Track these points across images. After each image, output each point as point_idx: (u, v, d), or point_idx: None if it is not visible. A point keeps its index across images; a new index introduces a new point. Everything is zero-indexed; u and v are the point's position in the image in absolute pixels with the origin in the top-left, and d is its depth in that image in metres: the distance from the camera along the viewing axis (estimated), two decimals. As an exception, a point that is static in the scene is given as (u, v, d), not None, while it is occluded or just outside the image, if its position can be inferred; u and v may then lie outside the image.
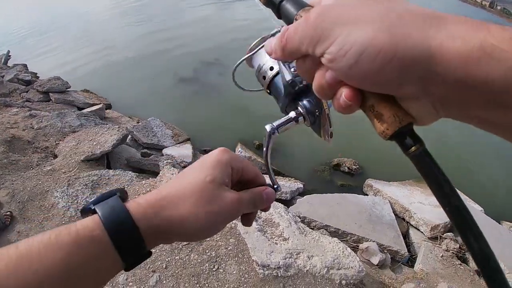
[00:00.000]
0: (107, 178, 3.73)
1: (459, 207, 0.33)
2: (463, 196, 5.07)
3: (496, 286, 0.33)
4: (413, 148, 0.35)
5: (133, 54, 9.68)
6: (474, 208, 4.70)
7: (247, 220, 0.57)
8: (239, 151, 5.19)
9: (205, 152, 5.58)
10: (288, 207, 3.89)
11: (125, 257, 0.41)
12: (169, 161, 4.53)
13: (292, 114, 0.54)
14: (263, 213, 3.38)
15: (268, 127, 0.53)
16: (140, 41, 10.75)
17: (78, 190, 3.48)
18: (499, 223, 5.37)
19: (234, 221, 3.18)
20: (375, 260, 3.56)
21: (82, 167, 3.92)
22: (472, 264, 3.94)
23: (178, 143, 5.71)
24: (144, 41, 10.73)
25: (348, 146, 5.39)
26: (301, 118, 0.54)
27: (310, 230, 3.24)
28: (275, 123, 0.54)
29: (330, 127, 0.52)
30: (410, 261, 3.94)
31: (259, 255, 2.79)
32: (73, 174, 3.75)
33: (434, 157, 0.35)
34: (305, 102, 0.52)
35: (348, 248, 3.03)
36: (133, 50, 10.00)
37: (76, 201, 3.35)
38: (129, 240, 0.41)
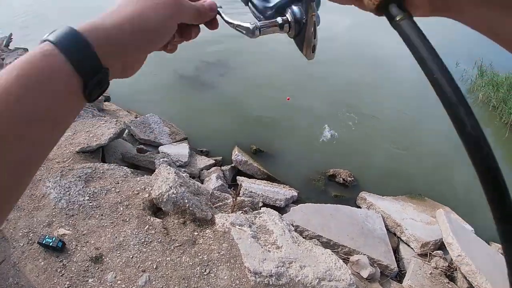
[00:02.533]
0: (101, 172, 3.67)
1: (445, 74, 0.30)
2: (456, 216, 5.11)
3: None
4: (399, 16, 0.33)
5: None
6: (465, 228, 4.72)
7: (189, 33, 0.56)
8: (236, 154, 5.16)
9: (202, 152, 5.56)
10: (282, 215, 3.88)
11: (79, 67, 0.39)
12: (165, 159, 4.48)
13: (279, 19, 0.51)
14: (257, 219, 3.36)
15: (250, 25, 0.51)
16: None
17: (71, 181, 3.42)
18: (489, 244, 5.43)
19: (228, 225, 3.18)
20: (365, 273, 3.55)
21: (77, 159, 3.85)
22: (460, 283, 3.95)
23: (175, 142, 5.66)
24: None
25: (344, 158, 5.41)
26: (286, 26, 0.52)
27: (303, 239, 3.22)
28: (259, 23, 0.51)
29: (315, 39, 0.51)
30: (399, 276, 3.95)
31: (251, 262, 2.77)
32: (67, 165, 3.68)
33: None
34: (294, 8, 0.51)
35: (340, 260, 3.02)
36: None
37: (68, 192, 3.29)
38: (77, 45, 0.39)
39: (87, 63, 0.40)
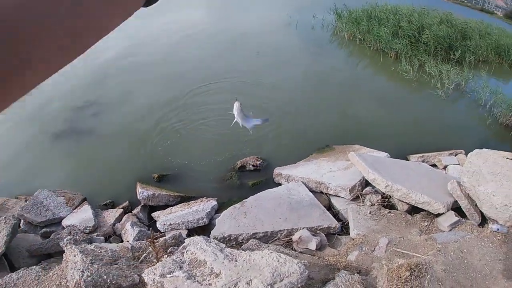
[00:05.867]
0: (12, 285, 3.13)
1: None
2: (367, 149, 5.33)
3: None
4: None
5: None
6: (380, 157, 4.92)
7: None
8: (140, 192, 4.71)
9: (106, 206, 5.01)
10: (210, 232, 3.63)
11: None
12: (69, 237, 3.94)
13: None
14: (185, 255, 3.06)
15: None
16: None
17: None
18: (407, 159, 5.79)
19: (159, 279, 2.85)
20: (312, 245, 3.48)
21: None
22: (400, 207, 4.11)
23: (75, 208, 5.04)
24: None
25: (243, 146, 5.27)
26: None
27: (238, 252, 3.01)
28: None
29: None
30: (345, 228, 3.96)
31: (196, 308, 2.49)
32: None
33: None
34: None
35: (281, 255, 2.86)
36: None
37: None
38: None
39: None
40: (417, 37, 11.95)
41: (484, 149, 4.66)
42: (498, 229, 3.70)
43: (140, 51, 9.13)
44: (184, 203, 4.59)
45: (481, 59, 14.50)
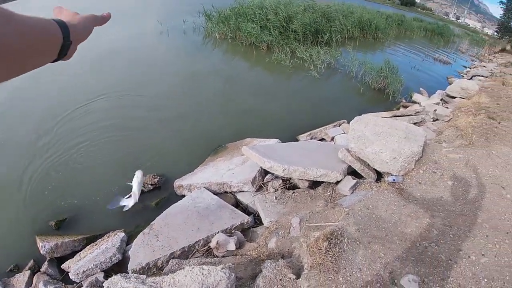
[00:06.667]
0: None
1: None
2: (258, 140, 5.49)
3: None
4: None
5: None
6: (271, 145, 5.11)
7: None
8: (42, 246, 4.16)
9: (12, 272, 4.30)
10: (127, 268, 3.37)
11: (64, 33, 0.70)
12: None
13: None
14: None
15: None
16: None
17: None
18: (297, 140, 6.12)
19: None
20: (232, 246, 3.45)
21: None
22: (301, 184, 4.30)
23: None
24: None
25: (135, 167, 4.97)
26: None
27: (161, 278, 2.83)
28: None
29: None
30: (258, 220, 4.00)
31: None
32: None
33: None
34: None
35: (204, 266, 2.77)
36: None
37: None
38: (64, 25, 0.71)
39: (67, 36, 0.71)
40: (285, 27, 12.73)
41: (363, 114, 5.15)
42: (394, 180, 4.11)
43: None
44: (92, 244, 4.17)
45: (347, 36, 16.11)
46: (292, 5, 14.48)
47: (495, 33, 36.68)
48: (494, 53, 26.80)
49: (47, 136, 5.69)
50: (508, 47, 32.05)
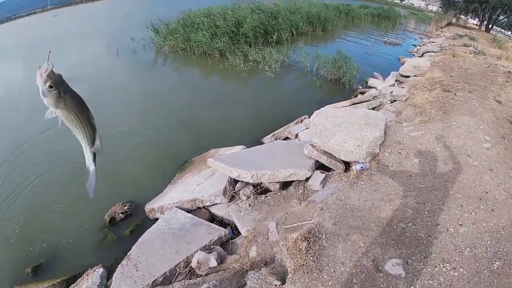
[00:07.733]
0: None
1: None
2: (223, 149, 5.45)
3: None
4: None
5: None
6: (236, 152, 5.09)
7: None
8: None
9: None
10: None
11: None
12: None
13: None
14: None
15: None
16: None
17: None
18: (262, 143, 6.13)
19: None
20: (213, 262, 3.38)
21: None
22: (272, 187, 4.29)
23: None
24: None
25: (101, 199, 4.79)
26: None
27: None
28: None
29: None
30: (235, 230, 3.96)
31: None
32: None
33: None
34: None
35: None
36: None
37: None
38: None
39: None
40: (235, 31, 12.75)
41: (321, 108, 5.20)
42: (361, 167, 4.17)
43: None
44: (72, 285, 3.98)
45: (296, 32, 16.33)
46: (239, 9, 14.52)
47: (440, 9, 38.18)
48: (441, 28, 27.91)
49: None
50: (454, 20, 33.49)
